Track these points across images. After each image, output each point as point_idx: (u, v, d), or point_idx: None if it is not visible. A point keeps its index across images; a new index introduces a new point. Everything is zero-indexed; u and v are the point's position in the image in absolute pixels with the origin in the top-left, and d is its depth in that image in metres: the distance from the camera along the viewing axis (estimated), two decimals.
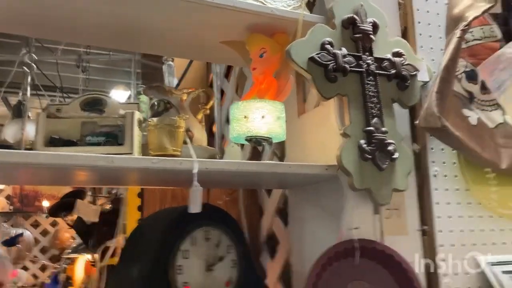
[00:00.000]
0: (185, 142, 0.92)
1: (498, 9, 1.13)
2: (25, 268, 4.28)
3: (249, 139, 1.03)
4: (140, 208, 1.33)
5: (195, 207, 0.85)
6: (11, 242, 3.08)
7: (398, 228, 1.05)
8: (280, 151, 1.50)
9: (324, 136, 1.11)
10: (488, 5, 1.02)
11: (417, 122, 1.01)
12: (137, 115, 0.86)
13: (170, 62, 1.55)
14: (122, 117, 0.85)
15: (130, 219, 1.33)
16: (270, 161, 0.96)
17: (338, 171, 0.99)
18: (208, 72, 1.80)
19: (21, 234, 3.17)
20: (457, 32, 0.99)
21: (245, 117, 1.00)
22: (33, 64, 1.76)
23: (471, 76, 1.07)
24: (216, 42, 1.15)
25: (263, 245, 1.50)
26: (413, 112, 1.13)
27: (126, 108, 0.88)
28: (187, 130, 0.99)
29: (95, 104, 0.89)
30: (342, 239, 0.99)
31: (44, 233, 4.85)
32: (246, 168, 0.92)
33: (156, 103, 1.02)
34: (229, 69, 1.76)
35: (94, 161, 0.79)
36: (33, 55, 1.80)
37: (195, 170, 0.85)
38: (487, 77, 1.00)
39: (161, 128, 0.88)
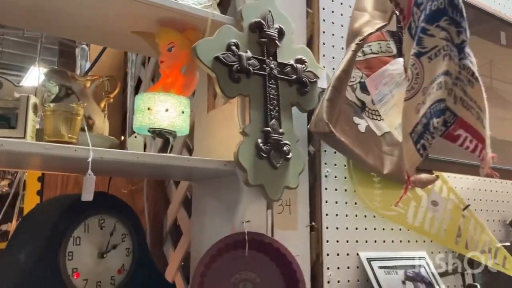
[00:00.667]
0: (83, 130, 0.92)
1: (393, 27, 1.24)
2: None
3: (153, 131, 1.06)
4: (39, 193, 1.31)
5: (87, 195, 0.86)
6: None
7: (288, 223, 1.13)
8: (192, 143, 1.53)
9: (229, 133, 1.16)
10: (382, 23, 1.11)
11: (308, 126, 1.09)
12: (33, 100, 0.85)
13: (84, 46, 1.52)
14: (17, 100, 0.83)
15: (28, 203, 1.30)
16: (168, 154, 0.98)
17: (236, 167, 1.04)
18: (125, 59, 1.78)
19: None
20: (352, 46, 1.08)
21: (148, 108, 1.02)
22: None
23: (365, 87, 1.17)
24: (128, 31, 1.15)
25: (167, 235, 1.53)
26: (311, 117, 1.21)
27: (23, 92, 0.87)
28: (88, 118, 0.99)
29: None
30: (235, 232, 1.04)
31: None
32: (143, 159, 0.94)
33: (58, 88, 1.00)
34: (146, 57, 1.76)
35: None
36: None
37: (90, 159, 0.86)
38: (372, 89, 1.10)
39: (58, 114, 0.88)
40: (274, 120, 1.07)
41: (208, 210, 1.26)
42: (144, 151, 1.59)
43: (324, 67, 1.22)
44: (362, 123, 1.14)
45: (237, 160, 1.01)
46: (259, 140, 1.04)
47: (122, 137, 1.54)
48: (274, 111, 1.08)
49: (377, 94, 1.09)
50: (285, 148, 1.06)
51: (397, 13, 0.95)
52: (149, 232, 1.43)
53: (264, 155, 1.03)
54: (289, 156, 1.07)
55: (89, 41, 1.45)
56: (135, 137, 1.10)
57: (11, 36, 3.64)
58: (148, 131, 1.05)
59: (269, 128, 1.05)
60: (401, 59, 0.95)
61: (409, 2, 0.84)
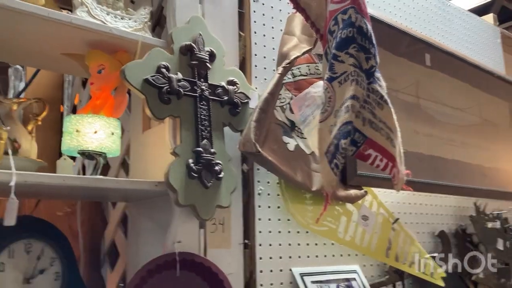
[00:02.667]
0: (7, 153, 0.91)
1: (321, 50, 1.30)
2: None
3: (82, 153, 1.05)
4: None
5: (9, 220, 0.85)
6: None
7: (222, 242, 1.14)
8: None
9: (162, 153, 1.17)
10: (308, 47, 1.17)
11: (237, 146, 1.12)
12: None
13: (18, 66, 1.50)
14: None
15: None
16: (96, 176, 0.98)
17: (167, 187, 1.05)
18: (63, 79, 1.76)
19: None
20: (279, 69, 1.12)
21: (77, 131, 1.02)
22: None
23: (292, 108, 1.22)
24: (58, 53, 1.15)
25: (105, 257, 1.50)
26: None
27: None
28: (14, 141, 0.98)
29: None
30: (166, 252, 1.05)
31: None
32: (70, 182, 0.94)
33: None
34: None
35: None
36: None
37: (12, 183, 0.85)
38: (296, 111, 1.15)
39: None
40: (205, 140, 1.09)
41: (143, 231, 1.26)
42: (84, 173, 1.58)
43: (256, 88, 1.26)
44: (291, 142, 1.18)
45: (167, 181, 1.02)
46: (190, 160, 1.06)
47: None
48: (206, 131, 1.10)
49: (300, 115, 1.14)
50: (216, 168, 1.09)
51: (318, 38, 1.01)
52: (84, 255, 1.40)
53: (195, 175, 1.05)
54: (220, 176, 1.09)
55: (23, 64, 1.43)
56: (64, 159, 1.09)
57: None
58: (78, 153, 1.05)
59: (200, 148, 1.07)
60: (321, 82, 1.01)
61: (325, 29, 0.90)
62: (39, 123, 1.06)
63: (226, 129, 1.16)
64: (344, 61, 0.82)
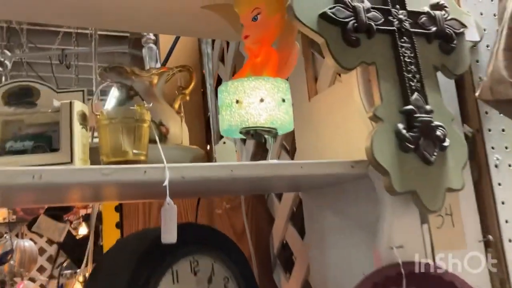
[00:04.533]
0: (153, 141, 0.65)
1: None
2: (33, 280, 4.09)
3: (246, 132, 0.77)
4: (118, 225, 1.08)
5: (169, 236, 0.59)
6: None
7: (453, 241, 0.78)
8: (289, 143, 1.23)
9: (346, 122, 0.85)
10: None
11: (477, 93, 0.73)
12: (78, 106, 0.60)
13: (151, 45, 1.29)
14: (56, 111, 0.58)
15: (107, 239, 1.08)
16: (272, 162, 0.68)
17: (369, 168, 0.72)
18: (200, 57, 1.53)
19: (11, 251, 2.94)
20: None
21: (237, 101, 0.74)
22: None
23: None
24: (198, 8, 0.88)
25: (276, 259, 1.24)
26: (461, 83, 0.86)
27: (66, 98, 0.62)
28: (159, 124, 0.73)
29: (23, 96, 0.63)
30: (380, 261, 0.72)
31: (51, 241, 4.64)
32: (240, 173, 0.65)
33: (117, 90, 0.75)
34: (224, 51, 1.50)
35: (10, 179, 0.53)
36: None
37: (166, 182, 0.59)
38: None
39: (115, 124, 0.62)
40: (416, 93, 0.73)
41: (329, 229, 0.95)
42: None
43: (468, 12, 0.86)
44: None
45: (372, 158, 0.69)
46: (400, 125, 0.71)
47: (208, 146, 1.29)
48: (414, 80, 0.74)
49: None
50: (438, 133, 0.72)
51: None
52: (256, 256, 1.14)
53: (411, 146, 0.70)
54: (445, 144, 0.73)
55: (157, 31, 1.21)
56: (224, 143, 0.82)
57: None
58: (240, 132, 0.77)
59: (411, 107, 0.72)
60: None
61: None
62: (187, 98, 0.80)
63: (438, 75, 0.79)
64: None
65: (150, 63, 1.25)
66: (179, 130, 0.75)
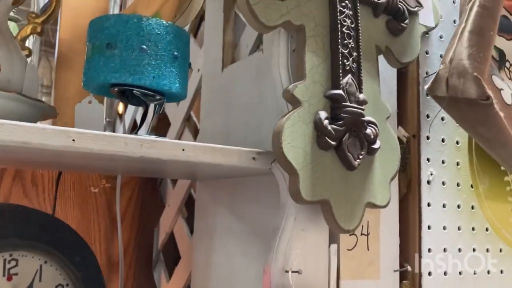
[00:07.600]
0: None
1: None
2: None
3: (119, 91, 0.56)
4: None
5: None
6: None
7: (364, 268, 0.62)
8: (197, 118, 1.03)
9: (262, 102, 0.66)
10: None
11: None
12: None
13: None
14: None
15: None
16: (146, 137, 0.48)
17: (274, 163, 0.54)
18: None
19: None
20: None
21: (108, 45, 0.52)
22: None
23: (507, 28, 0.65)
24: None
25: (159, 254, 1.04)
26: (403, 76, 0.70)
27: None
28: None
29: None
30: (271, 283, 0.54)
31: None
32: (85, 145, 0.44)
33: None
34: None
35: None
36: None
37: None
38: None
39: None
40: (349, 75, 0.56)
41: (219, 229, 0.76)
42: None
43: None
44: (505, 89, 0.62)
45: (280, 151, 0.51)
46: (322, 114, 0.53)
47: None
48: (350, 59, 0.57)
49: None
50: (368, 131, 0.56)
51: None
52: (130, 249, 0.94)
53: (333, 142, 0.53)
54: (375, 146, 0.56)
55: None
56: (90, 102, 0.60)
57: None
58: (110, 91, 0.56)
59: (340, 91, 0.54)
60: None
61: None
62: (39, 30, 0.56)
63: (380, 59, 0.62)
64: None
65: None
66: (20, 74, 0.52)
